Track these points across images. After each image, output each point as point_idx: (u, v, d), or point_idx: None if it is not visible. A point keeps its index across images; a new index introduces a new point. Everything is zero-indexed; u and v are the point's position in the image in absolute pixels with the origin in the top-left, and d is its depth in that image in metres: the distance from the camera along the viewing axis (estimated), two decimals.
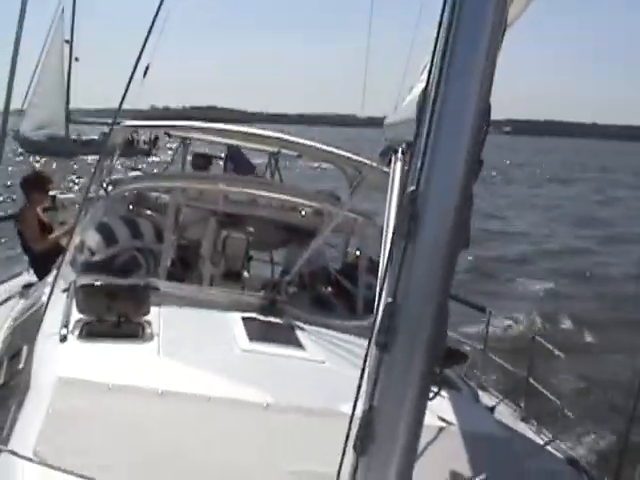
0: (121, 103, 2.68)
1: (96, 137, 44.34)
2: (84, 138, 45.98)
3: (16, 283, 6.46)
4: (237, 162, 7.83)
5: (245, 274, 5.30)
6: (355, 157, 5.45)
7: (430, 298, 1.63)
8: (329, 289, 5.05)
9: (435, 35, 1.70)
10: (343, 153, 5.54)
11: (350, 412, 1.67)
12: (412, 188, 1.63)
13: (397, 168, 2.30)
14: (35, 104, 43.75)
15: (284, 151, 6.82)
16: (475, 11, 1.64)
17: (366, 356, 1.69)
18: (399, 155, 2.34)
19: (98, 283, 3.48)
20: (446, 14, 1.67)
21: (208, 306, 3.94)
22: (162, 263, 4.50)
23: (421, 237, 1.61)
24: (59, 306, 3.45)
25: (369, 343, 1.67)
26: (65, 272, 4.08)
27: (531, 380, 4.21)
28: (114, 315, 3.30)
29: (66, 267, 4.21)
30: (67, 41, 44.50)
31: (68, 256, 4.41)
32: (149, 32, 2.59)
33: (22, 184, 6.64)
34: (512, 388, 4.74)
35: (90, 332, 3.23)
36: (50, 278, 4.65)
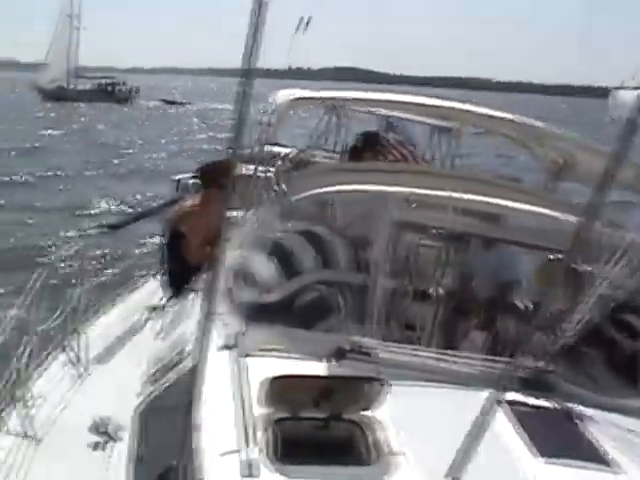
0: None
1: (90, 87, 66.03)
2: (80, 88, 65.50)
3: (138, 300, 5.08)
4: (405, 136, 6.24)
5: (436, 292, 3.99)
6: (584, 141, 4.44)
7: None
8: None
9: None
10: (559, 132, 4.43)
11: None
12: None
13: None
14: (49, 63, 64.84)
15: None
16: None
17: None
18: None
19: (298, 373, 2.49)
20: None
21: (440, 377, 2.83)
22: (369, 309, 3.23)
23: None
24: (222, 385, 2.49)
25: None
26: (217, 311, 2.86)
27: None
28: (320, 410, 2.31)
29: (218, 302, 2.97)
30: (69, 15, 65.27)
31: (220, 283, 3.12)
32: None
33: (200, 175, 5.37)
34: None
35: (289, 448, 2.21)
36: (196, 312, 3.24)
